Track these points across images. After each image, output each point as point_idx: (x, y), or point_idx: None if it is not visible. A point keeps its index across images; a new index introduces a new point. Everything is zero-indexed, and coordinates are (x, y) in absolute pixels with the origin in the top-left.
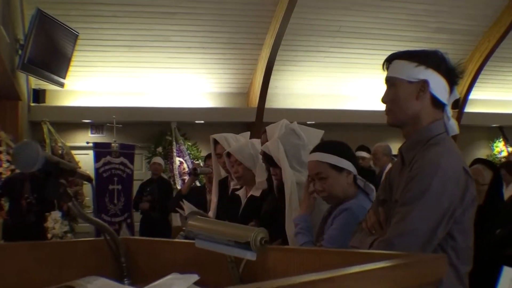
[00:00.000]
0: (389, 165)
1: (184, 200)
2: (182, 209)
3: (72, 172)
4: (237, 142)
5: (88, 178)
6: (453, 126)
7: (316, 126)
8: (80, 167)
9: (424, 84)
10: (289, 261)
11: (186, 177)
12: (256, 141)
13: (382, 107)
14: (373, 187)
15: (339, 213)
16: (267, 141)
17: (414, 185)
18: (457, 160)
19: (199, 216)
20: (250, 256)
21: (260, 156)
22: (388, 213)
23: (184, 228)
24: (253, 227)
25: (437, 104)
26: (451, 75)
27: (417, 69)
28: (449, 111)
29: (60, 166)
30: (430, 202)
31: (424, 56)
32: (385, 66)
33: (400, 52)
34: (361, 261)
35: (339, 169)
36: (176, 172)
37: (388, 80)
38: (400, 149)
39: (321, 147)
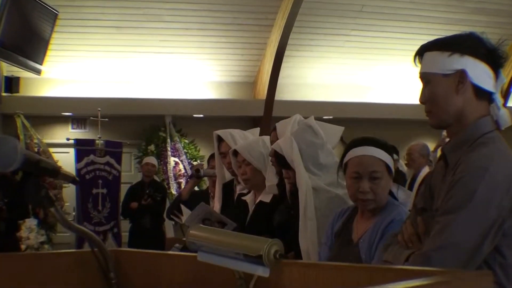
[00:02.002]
0: (425, 168)
1: (182, 205)
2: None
3: (55, 173)
4: (244, 140)
5: (73, 180)
6: (505, 116)
7: (334, 121)
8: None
9: (462, 74)
10: (307, 277)
11: (182, 180)
12: (268, 139)
13: (411, 99)
14: (409, 191)
15: (390, 226)
16: (277, 139)
17: (457, 192)
18: (508, 164)
19: (201, 225)
20: (262, 272)
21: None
22: (428, 224)
23: (184, 238)
24: (265, 238)
25: (482, 94)
26: (493, 58)
27: (451, 58)
28: (499, 98)
29: (41, 166)
30: (475, 212)
31: (457, 42)
32: (416, 61)
33: (430, 42)
34: (392, 278)
35: (391, 172)
36: (170, 174)
37: (422, 77)
38: (443, 150)
39: (373, 141)
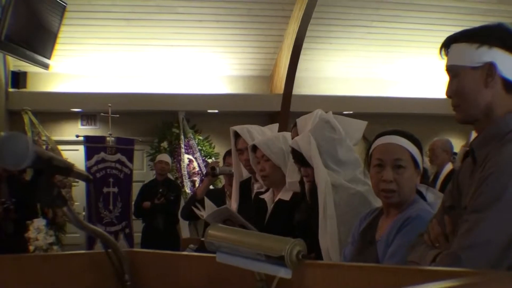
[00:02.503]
0: (448, 165)
1: (205, 199)
2: (198, 212)
3: (68, 171)
4: (262, 136)
5: (86, 178)
6: None
7: (354, 116)
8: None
9: (491, 67)
10: (331, 279)
11: (196, 178)
12: (288, 135)
13: (435, 93)
14: (439, 193)
15: (406, 223)
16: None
17: (487, 188)
18: None
19: (220, 225)
20: (284, 273)
21: None
22: (456, 222)
23: (199, 238)
24: (287, 238)
25: (510, 88)
26: None
27: (479, 51)
28: None
29: (54, 163)
30: (505, 209)
31: (485, 33)
32: (443, 53)
33: (457, 33)
34: (419, 279)
35: (417, 165)
36: (184, 172)
37: (449, 70)
38: (471, 146)
39: (400, 132)
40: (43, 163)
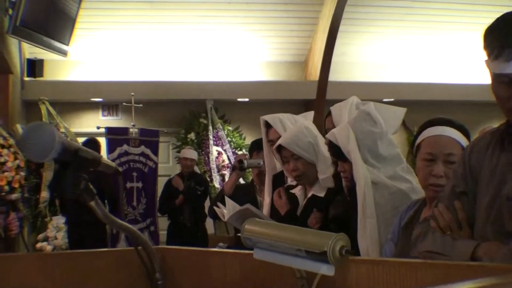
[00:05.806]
0: None
1: (226, 198)
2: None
3: (96, 163)
4: (296, 125)
5: (115, 171)
6: None
7: (395, 104)
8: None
9: None
10: (376, 276)
11: (226, 172)
12: (311, 124)
13: (480, 79)
14: None
15: None
16: (333, 126)
17: None
18: None
19: (257, 219)
20: (326, 270)
21: (321, 146)
22: (470, 209)
23: (241, 234)
24: (329, 233)
25: None
26: None
27: None
28: None
29: (81, 155)
30: None
31: None
32: (501, 57)
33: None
34: (470, 275)
35: None
36: (213, 165)
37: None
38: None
39: (450, 122)
40: (70, 155)
